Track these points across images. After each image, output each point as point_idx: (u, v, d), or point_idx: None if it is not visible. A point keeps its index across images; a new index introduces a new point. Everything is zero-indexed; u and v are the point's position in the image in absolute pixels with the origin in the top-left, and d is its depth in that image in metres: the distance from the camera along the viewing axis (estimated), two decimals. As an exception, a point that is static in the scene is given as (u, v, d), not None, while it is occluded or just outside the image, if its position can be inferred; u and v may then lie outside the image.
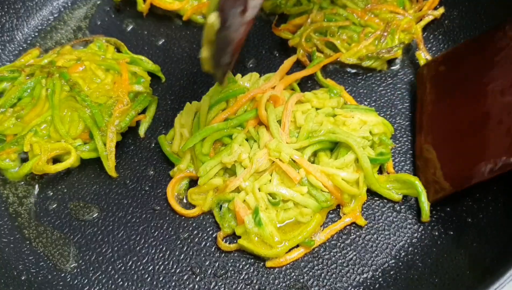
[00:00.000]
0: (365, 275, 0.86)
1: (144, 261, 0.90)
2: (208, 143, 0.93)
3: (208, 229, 0.93)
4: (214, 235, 0.92)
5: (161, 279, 0.88)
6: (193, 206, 0.94)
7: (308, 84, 1.06)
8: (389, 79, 1.07)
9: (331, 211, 0.92)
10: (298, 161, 0.87)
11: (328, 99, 0.98)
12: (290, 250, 0.87)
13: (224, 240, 0.90)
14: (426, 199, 0.86)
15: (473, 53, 0.96)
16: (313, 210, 0.87)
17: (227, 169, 0.92)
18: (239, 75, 1.03)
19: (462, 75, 0.95)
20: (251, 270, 0.88)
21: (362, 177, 0.88)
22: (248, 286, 0.86)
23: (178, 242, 0.92)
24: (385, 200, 0.91)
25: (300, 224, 0.87)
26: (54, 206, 0.97)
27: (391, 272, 0.85)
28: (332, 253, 0.88)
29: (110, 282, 0.89)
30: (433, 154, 0.90)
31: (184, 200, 0.96)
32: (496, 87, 0.87)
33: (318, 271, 0.86)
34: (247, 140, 0.93)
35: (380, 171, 0.94)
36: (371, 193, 0.92)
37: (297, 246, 0.87)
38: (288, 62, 1.04)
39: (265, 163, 0.89)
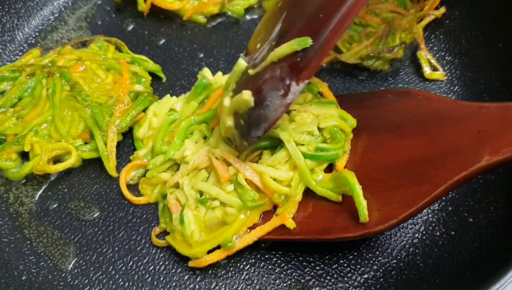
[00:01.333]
0: (366, 276, 0.85)
1: (145, 261, 0.90)
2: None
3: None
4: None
5: (161, 279, 0.88)
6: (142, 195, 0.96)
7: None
8: (390, 79, 1.07)
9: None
10: (227, 158, 0.84)
11: None
12: (212, 251, 0.84)
13: (160, 235, 0.91)
14: (363, 198, 0.76)
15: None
16: (236, 209, 0.83)
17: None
18: (219, 73, 1.03)
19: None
20: (251, 270, 0.87)
21: (297, 176, 0.83)
22: (249, 286, 0.86)
23: (179, 242, 0.92)
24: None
25: (227, 224, 0.84)
26: (54, 206, 0.97)
27: (392, 273, 0.85)
28: (333, 253, 0.88)
29: (111, 282, 0.89)
30: None
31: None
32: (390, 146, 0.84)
33: (320, 271, 0.86)
34: (205, 138, 0.93)
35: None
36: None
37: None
38: None
39: (205, 160, 0.87)
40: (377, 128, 0.88)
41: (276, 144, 0.85)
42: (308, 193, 0.85)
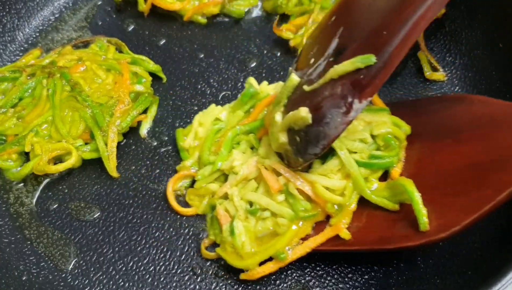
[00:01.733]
0: (366, 276, 0.85)
1: (145, 261, 0.90)
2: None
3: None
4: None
5: (162, 279, 0.88)
6: (190, 206, 0.94)
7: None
8: (391, 79, 1.07)
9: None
10: (277, 168, 0.82)
11: None
12: (264, 262, 0.81)
13: (209, 247, 0.89)
14: (423, 206, 0.74)
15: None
16: (288, 220, 0.81)
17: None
18: (265, 82, 1.01)
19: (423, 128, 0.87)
20: (252, 271, 0.87)
21: (351, 185, 0.81)
22: (249, 287, 0.86)
23: (179, 243, 0.91)
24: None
25: (278, 235, 0.81)
26: (55, 207, 0.97)
27: (393, 273, 0.85)
28: (333, 254, 0.87)
29: (111, 282, 0.89)
30: None
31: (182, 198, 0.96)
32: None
33: (320, 272, 0.86)
34: (252, 148, 0.91)
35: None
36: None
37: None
38: None
39: (254, 171, 0.86)
40: (432, 134, 0.85)
41: (327, 153, 0.82)
42: (363, 202, 0.82)
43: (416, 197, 0.74)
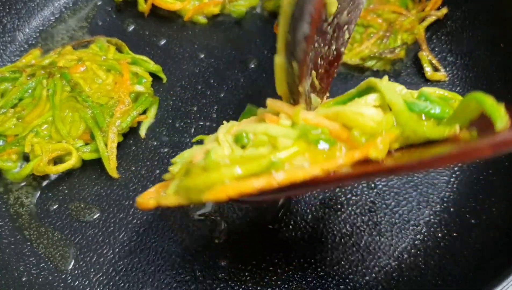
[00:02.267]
0: (367, 277, 0.85)
1: (145, 262, 0.90)
2: None
3: (210, 230, 0.92)
4: (216, 237, 0.91)
5: (162, 280, 0.88)
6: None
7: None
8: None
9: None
10: (280, 109, 0.64)
11: None
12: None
13: None
14: (497, 104, 0.54)
15: None
16: (294, 139, 0.59)
17: None
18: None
19: None
20: (252, 272, 0.87)
21: (390, 118, 0.60)
22: (250, 288, 0.86)
23: (179, 243, 0.91)
24: (387, 201, 0.91)
25: None
26: (55, 207, 0.97)
27: (394, 274, 0.85)
28: (334, 255, 0.87)
29: (111, 283, 0.88)
30: None
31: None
32: None
33: (321, 273, 0.86)
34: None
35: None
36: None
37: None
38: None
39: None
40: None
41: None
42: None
43: (487, 97, 0.55)
